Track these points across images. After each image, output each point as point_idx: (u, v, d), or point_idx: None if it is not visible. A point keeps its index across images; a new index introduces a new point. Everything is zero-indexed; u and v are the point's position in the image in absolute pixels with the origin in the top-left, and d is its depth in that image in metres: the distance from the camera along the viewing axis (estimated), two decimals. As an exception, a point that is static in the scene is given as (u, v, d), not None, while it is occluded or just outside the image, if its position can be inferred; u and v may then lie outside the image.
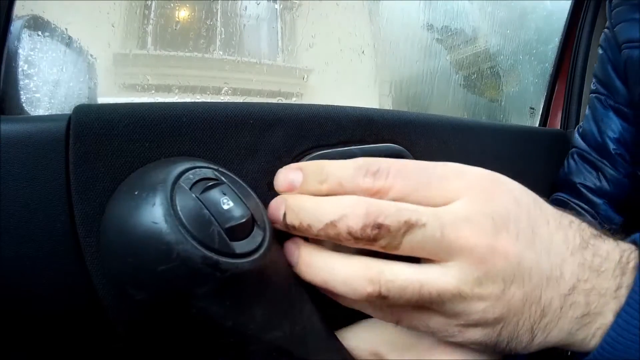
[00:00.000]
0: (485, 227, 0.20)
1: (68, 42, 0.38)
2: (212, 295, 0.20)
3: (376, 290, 0.20)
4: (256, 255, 0.21)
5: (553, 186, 0.53)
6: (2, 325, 0.22)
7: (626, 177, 0.47)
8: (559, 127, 0.66)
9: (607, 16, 0.49)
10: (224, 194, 0.21)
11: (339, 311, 0.24)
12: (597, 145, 0.49)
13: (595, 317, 0.21)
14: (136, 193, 0.20)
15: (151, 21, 0.50)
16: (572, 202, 0.50)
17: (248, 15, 0.56)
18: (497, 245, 0.20)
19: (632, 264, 0.21)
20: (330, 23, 0.60)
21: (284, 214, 0.22)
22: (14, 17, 0.26)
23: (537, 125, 0.70)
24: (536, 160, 0.51)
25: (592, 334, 0.21)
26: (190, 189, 0.20)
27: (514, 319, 0.20)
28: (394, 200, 0.20)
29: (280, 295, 0.23)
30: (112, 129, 0.22)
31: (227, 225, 0.20)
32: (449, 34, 0.72)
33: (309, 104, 0.30)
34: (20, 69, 0.30)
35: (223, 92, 0.53)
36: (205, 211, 0.20)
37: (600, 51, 0.50)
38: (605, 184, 0.48)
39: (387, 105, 0.69)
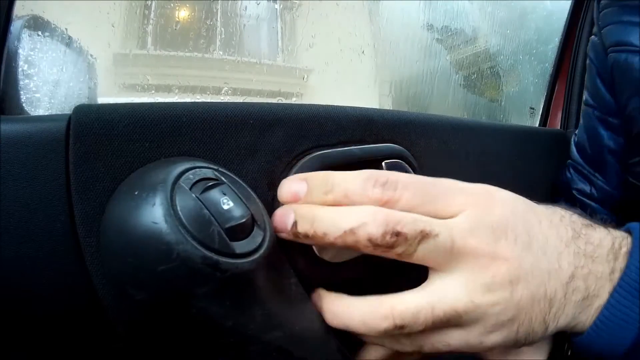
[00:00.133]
0: (487, 237, 0.21)
1: (68, 42, 0.38)
2: (212, 296, 0.20)
3: (391, 323, 0.21)
4: (256, 255, 0.21)
5: (554, 189, 0.53)
6: (2, 325, 0.22)
7: (617, 188, 0.47)
8: (559, 127, 0.66)
9: (595, 19, 0.48)
10: (224, 194, 0.21)
11: None
12: (589, 157, 0.50)
13: (593, 299, 0.23)
14: (136, 193, 0.20)
15: (151, 21, 0.50)
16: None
17: (248, 15, 0.56)
18: (498, 252, 0.21)
19: (624, 250, 0.23)
20: (330, 23, 0.60)
21: (294, 223, 0.22)
22: (14, 17, 0.26)
23: (537, 125, 0.70)
24: (536, 160, 0.51)
25: (592, 315, 0.23)
26: (190, 189, 0.20)
27: (526, 316, 0.22)
28: (402, 211, 0.21)
29: (280, 295, 0.23)
30: (112, 129, 0.22)
31: (227, 225, 0.20)
32: (449, 34, 0.72)
33: (309, 104, 0.30)
34: (20, 69, 0.30)
35: (223, 92, 0.53)
36: (205, 211, 0.20)
37: (587, 61, 0.49)
38: (598, 194, 0.48)
39: (387, 105, 0.69)
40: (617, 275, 0.23)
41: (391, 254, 0.21)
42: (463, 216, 0.22)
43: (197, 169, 0.22)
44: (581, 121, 0.51)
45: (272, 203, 0.27)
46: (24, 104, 0.30)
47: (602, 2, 0.47)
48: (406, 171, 0.33)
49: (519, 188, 0.25)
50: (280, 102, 0.56)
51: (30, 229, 0.21)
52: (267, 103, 0.28)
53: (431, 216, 0.22)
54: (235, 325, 0.21)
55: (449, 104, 0.73)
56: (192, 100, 0.50)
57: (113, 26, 0.44)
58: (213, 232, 0.20)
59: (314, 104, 0.30)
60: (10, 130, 0.21)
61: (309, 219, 0.22)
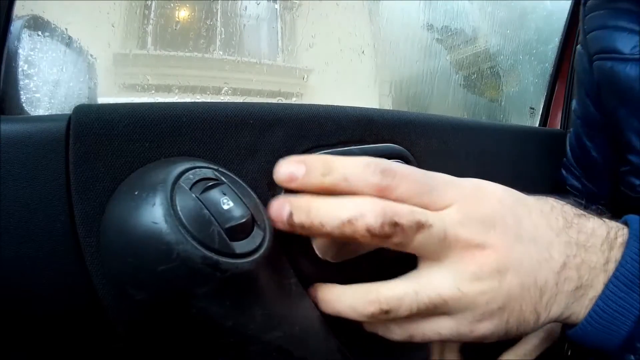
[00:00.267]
0: (476, 228, 0.22)
1: (68, 42, 0.38)
2: (212, 296, 0.20)
3: (377, 308, 0.22)
4: (256, 255, 0.21)
5: (553, 186, 0.53)
6: (2, 325, 0.22)
7: (608, 195, 0.47)
8: (559, 127, 0.66)
9: (580, 24, 0.45)
10: (224, 194, 0.21)
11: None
12: (579, 162, 0.49)
13: (587, 289, 0.23)
14: (136, 193, 0.20)
15: (151, 21, 0.50)
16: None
17: (248, 15, 0.56)
18: (487, 242, 0.22)
19: (620, 240, 0.23)
20: (330, 23, 0.60)
21: (290, 213, 0.22)
22: (14, 17, 0.26)
23: (537, 125, 0.70)
24: (536, 160, 0.51)
25: (586, 306, 0.23)
26: (190, 189, 0.20)
27: (516, 304, 0.22)
28: (397, 200, 0.21)
29: (280, 295, 0.23)
30: (112, 129, 0.22)
31: (227, 225, 0.20)
32: (449, 34, 0.72)
33: (309, 104, 0.30)
34: (20, 69, 0.30)
35: (223, 92, 0.53)
36: (205, 211, 0.20)
37: (575, 73, 0.48)
38: (589, 195, 0.48)
39: (387, 105, 0.69)
40: (612, 266, 0.23)
41: (388, 244, 0.21)
42: (454, 208, 0.22)
43: (197, 169, 0.22)
44: (572, 129, 0.50)
45: (272, 203, 0.27)
46: (24, 104, 0.30)
47: (587, 4, 0.45)
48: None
49: (519, 188, 0.25)
50: (280, 102, 0.56)
51: (30, 229, 0.21)
52: (267, 103, 0.28)
53: (424, 207, 0.22)
54: (235, 325, 0.21)
55: (449, 104, 0.73)
56: (192, 100, 0.50)
57: (113, 26, 0.44)
58: (213, 232, 0.20)
59: (314, 104, 0.30)
60: (10, 130, 0.21)
61: (304, 209, 0.22)
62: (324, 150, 0.29)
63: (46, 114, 0.33)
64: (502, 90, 0.76)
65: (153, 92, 0.48)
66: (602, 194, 0.47)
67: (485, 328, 0.22)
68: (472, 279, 0.22)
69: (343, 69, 0.61)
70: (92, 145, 0.22)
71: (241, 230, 0.21)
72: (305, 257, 0.27)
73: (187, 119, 0.24)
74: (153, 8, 0.50)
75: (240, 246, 0.20)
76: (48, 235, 0.22)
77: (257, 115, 0.27)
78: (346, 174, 0.22)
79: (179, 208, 0.19)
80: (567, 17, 0.66)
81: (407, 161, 0.34)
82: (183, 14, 0.53)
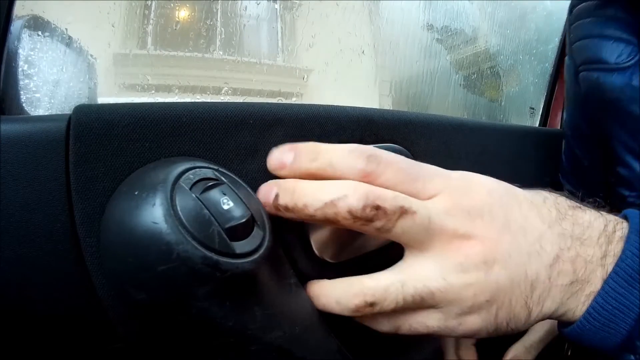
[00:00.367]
0: (462, 218, 0.22)
1: (68, 42, 0.38)
2: (212, 296, 0.20)
3: (361, 300, 0.21)
4: (256, 255, 0.21)
5: (552, 186, 0.53)
6: (2, 325, 0.22)
7: (602, 199, 0.47)
8: (559, 127, 0.66)
9: (567, 34, 0.44)
10: (224, 194, 0.21)
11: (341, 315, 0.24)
12: (573, 170, 0.49)
13: (584, 284, 0.22)
14: (136, 193, 0.20)
15: (151, 21, 0.50)
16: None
17: (248, 15, 0.56)
18: (473, 232, 0.21)
19: (619, 234, 0.22)
20: (330, 23, 0.60)
21: (276, 195, 0.22)
22: (14, 17, 0.26)
23: (537, 125, 0.70)
24: (536, 160, 0.51)
25: (582, 302, 0.22)
26: (190, 189, 0.20)
27: (505, 298, 0.22)
28: (382, 187, 0.21)
29: (281, 295, 0.23)
30: (112, 129, 0.22)
31: (227, 226, 0.20)
32: (449, 34, 0.72)
33: (309, 104, 0.30)
34: (20, 69, 0.30)
35: (223, 92, 0.53)
36: (205, 211, 0.20)
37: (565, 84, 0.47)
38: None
39: (387, 105, 0.69)
40: (610, 261, 0.22)
41: (370, 228, 0.21)
42: (440, 198, 0.22)
43: (197, 169, 0.22)
44: (564, 142, 0.50)
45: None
46: (24, 104, 0.30)
47: (574, 12, 0.43)
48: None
49: (519, 187, 0.25)
50: (280, 102, 0.56)
51: (30, 229, 0.21)
52: (267, 103, 0.28)
53: (410, 196, 0.22)
54: (236, 325, 0.21)
55: (449, 104, 0.73)
56: (192, 100, 0.50)
57: (113, 26, 0.44)
58: (213, 232, 0.20)
59: (314, 104, 0.30)
60: (10, 130, 0.21)
61: (289, 191, 0.22)
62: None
63: (46, 114, 0.33)
64: (502, 90, 0.76)
65: (153, 92, 0.48)
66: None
67: (473, 322, 0.22)
68: (458, 270, 0.21)
69: (343, 69, 0.61)
70: (92, 145, 0.22)
71: (241, 230, 0.21)
72: (304, 257, 0.27)
73: (187, 119, 0.24)
74: (153, 8, 0.50)
75: (240, 246, 0.20)
76: (48, 235, 0.22)
77: (257, 115, 0.27)
78: (332, 159, 0.22)
79: (179, 208, 0.19)
80: (567, 17, 0.66)
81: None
82: (183, 14, 0.53)
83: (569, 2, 0.62)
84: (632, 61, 0.37)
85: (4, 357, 0.23)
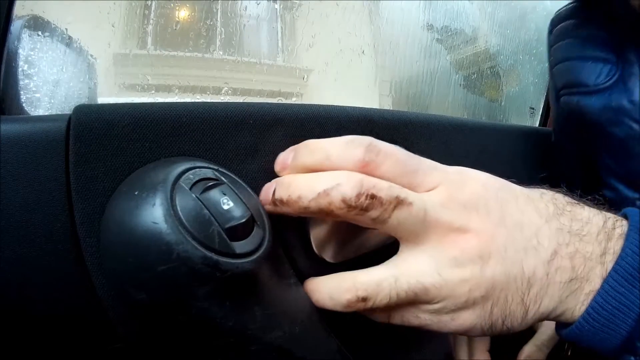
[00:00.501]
0: (458, 211, 0.21)
1: (68, 42, 0.38)
2: (212, 296, 0.20)
3: (354, 295, 0.21)
4: (256, 255, 0.21)
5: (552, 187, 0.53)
6: (2, 325, 0.22)
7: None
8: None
9: (547, 56, 0.42)
10: (224, 194, 0.21)
11: (340, 315, 0.24)
12: (566, 185, 0.49)
13: (583, 282, 0.21)
14: (136, 193, 0.20)
15: (151, 21, 0.50)
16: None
17: (248, 15, 0.56)
18: (468, 226, 0.21)
19: (618, 231, 0.22)
20: (330, 23, 0.60)
21: (274, 190, 0.23)
22: (14, 17, 0.26)
23: (537, 125, 0.70)
24: (536, 160, 0.51)
25: (582, 301, 0.21)
26: (190, 189, 0.20)
27: (501, 294, 0.21)
28: (381, 178, 0.21)
29: (280, 295, 0.23)
30: (112, 129, 0.22)
31: (227, 226, 0.20)
32: (449, 34, 0.72)
33: (309, 104, 0.30)
34: (20, 69, 0.30)
35: (223, 92, 0.53)
36: (205, 211, 0.20)
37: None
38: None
39: (387, 105, 0.69)
40: (609, 258, 0.21)
41: (365, 218, 0.21)
42: (436, 191, 0.22)
43: (197, 169, 0.22)
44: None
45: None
46: (24, 104, 0.30)
47: (554, 32, 0.42)
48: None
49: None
50: (280, 102, 0.56)
51: (30, 229, 0.21)
52: (267, 103, 0.28)
53: (407, 188, 0.21)
54: (236, 325, 0.21)
55: (449, 104, 0.73)
56: (192, 100, 0.50)
57: (113, 26, 0.44)
58: (213, 232, 0.20)
59: (314, 104, 0.30)
60: (10, 130, 0.21)
61: (286, 185, 0.22)
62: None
63: (46, 114, 0.33)
64: (502, 90, 0.76)
65: (153, 92, 0.48)
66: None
67: (466, 317, 0.21)
68: (453, 265, 0.21)
69: (343, 69, 0.61)
70: (92, 145, 0.22)
71: (241, 230, 0.21)
72: (304, 257, 0.27)
73: (187, 119, 0.24)
74: (153, 8, 0.50)
75: (240, 246, 0.20)
76: (48, 235, 0.22)
77: (257, 115, 0.27)
78: (329, 152, 0.22)
79: (179, 208, 0.19)
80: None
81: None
82: (183, 14, 0.53)
83: (569, 2, 0.62)
84: (611, 81, 0.36)
85: (4, 357, 0.23)
